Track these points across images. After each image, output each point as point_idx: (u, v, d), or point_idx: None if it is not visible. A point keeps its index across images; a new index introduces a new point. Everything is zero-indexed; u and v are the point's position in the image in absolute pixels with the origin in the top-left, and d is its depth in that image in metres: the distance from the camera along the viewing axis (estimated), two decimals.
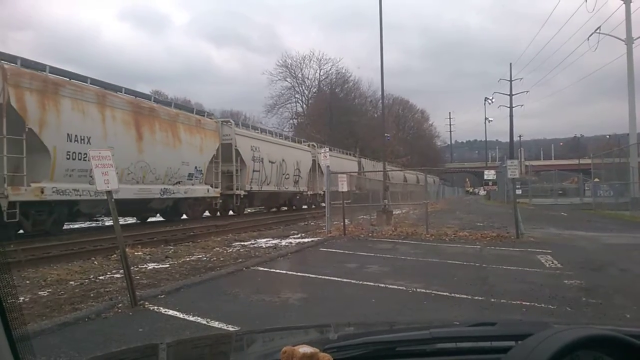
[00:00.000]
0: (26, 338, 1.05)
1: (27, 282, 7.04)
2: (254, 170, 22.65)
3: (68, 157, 12.61)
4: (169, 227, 15.50)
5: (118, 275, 7.26)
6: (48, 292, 6.38)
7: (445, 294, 5.99)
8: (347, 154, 36.31)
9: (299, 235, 13.64)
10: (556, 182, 37.56)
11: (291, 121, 61.39)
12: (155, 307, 5.44)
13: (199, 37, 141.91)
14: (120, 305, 5.39)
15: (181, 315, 5.10)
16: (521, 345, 1.11)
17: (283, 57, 66.81)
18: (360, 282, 6.86)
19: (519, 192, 25.56)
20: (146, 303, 5.55)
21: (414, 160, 60.47)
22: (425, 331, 1.43)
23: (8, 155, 11.15)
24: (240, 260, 9.01)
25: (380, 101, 26.82)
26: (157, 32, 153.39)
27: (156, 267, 8.35)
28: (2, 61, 11.43)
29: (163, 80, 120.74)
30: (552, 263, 8.29)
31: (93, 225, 15.68)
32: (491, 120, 66.91)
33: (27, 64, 12.48)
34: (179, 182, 17.48)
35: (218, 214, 21.87)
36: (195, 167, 18.39)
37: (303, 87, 62.28)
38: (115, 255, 9.10)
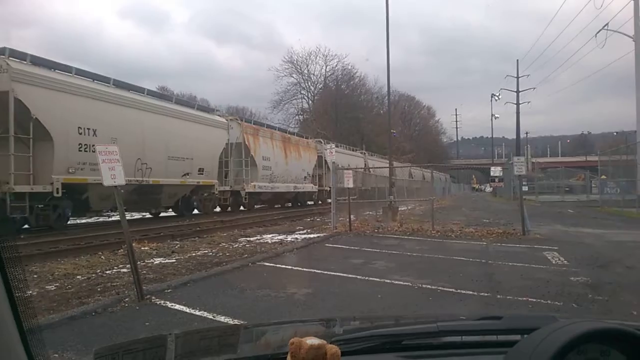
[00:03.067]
0: (36, 330, 1.07)
1: (35, 276, 7.08)
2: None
3: (263, 168, 23.76)
4: (176, 223, 15.62)
5: (125, 270, 7.30)
6: (55, 286, 6.43)
7: (451, 290, 5.99)
8: (380, 156, 42.82)
9: (305, 231, 13.66)
10: (563, 179, 37.40)
11: (297, 117, 61.46)
12: (162, 302, 5.47)
13: (200, 35, 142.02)
14: (127, 299, 5.42)
15: (187, 310, 5.13)
16: (528, 338, 1.11)
17: (289, 53, 66.84)
18: (366, 278, 6.87)
19: (525, 189, 25.45)
20: (153, 297, 5.58)
21: (419, 157, 60.24)
22: (432, 324, 1.44)
23: (245, 168, 22.47)
24: (246, 255, 9.04)
25: (386, 97, 28.00)
26: (158, 29, 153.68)
27: (163, 261, 8.40)
28: (239, 119, 24.53)
29: (166, 77, 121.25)
30: (559, 260, 8.26)
31: (100, 220, 16.16)
32: (497, 117, 66.33)
33: (247, 119, 26.87)
34: (300, 182, 28.20)
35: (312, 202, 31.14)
36: (307, 172, 29.37)
37: (309, 83, 62.31)
38: (122, 250, 9.16)
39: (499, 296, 5.64)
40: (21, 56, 12.42)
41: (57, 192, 12.41)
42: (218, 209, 22.24)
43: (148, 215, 19.40)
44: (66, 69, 13.91)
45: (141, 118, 15.60)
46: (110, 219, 17.43)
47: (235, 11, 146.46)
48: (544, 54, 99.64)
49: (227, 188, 21.94)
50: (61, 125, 12.72)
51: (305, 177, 28.90)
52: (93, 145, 12.57)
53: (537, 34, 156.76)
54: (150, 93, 17.55)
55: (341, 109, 55.60)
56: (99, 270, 7.53)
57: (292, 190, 27.41)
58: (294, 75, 60.93)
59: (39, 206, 12.54)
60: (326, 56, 60.84)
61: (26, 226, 13.02)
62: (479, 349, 1.33)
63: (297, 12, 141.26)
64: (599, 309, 5.09)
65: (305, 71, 61.41)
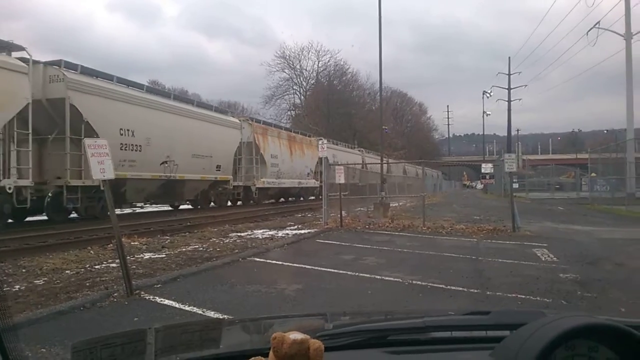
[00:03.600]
0: (11, 328, 1.04)
1: (24, 270, 7.03)
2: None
3: (271, 165, 25.12)
4: (166, 218, 15.54)
5: (114, 265, 7.24)
6: (44, 280, 6.38)
7: (441, 286, 6.00)
8: (375, 153, 42.39)
9: (296, 227, 13.64)
10: (553, 176, 37.70)
11: (289, 112, 61.28)
12: (151, 297, 5.43)
13: (191, 29, 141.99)
14: (115, 294, 5.38)
15: (177, 305, 5.10)
16: (515, 334, 1.10)
17: (281, 48, 66.62)
18: (356, 274, 6.87)
19: (516, 186, 25.59)
20: (142, 292, 5.54)
21: (411, 153, 60.27)
22: (419, 319, 1.42)
23: (255, 165, 23.88)
24: (237, 250, 9.01)
25: (378, 94, 28.30)
26: (148, 23, 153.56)
27: (152, 257, 8.34)
28: (251, 119, 26.31)
29: (156, 70, 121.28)
30: (548, 257, 8.31)
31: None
32: (489, 114, 66.64)
33: (257, 120, 27.67)
34: (303, 178, 29.73)
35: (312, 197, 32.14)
36: (310, 169, 30.73)
37: (301, 79, 62.10)
38: (111, 245, 9.08)
39: (488, 292, 5.66)
40: (73, 67, 13.98)
41: (103, 186, 13.31)
42: (229, 203, 24.12)
43: (169, 208, 21.36)
44: (108, 77, 15.39)
45: (170, 120, 17.47)
46: (142, 210, 19.69)
47: (226, 4, 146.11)
48: (535, 52, 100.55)
49: (240, 183, 23.65)
50: (107, 128, 14.16)
51: (308, 174, 30.55)
52: (132, 145, 15.48)
53: (528, 32, 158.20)
54: (176, 97, 19.96)
55: (333, 104, 55.47)
56: (88, 265, 7.47)
57: (297, 185, 29.16)
58: (286, 71, 60.78)
59: (87, 198, 14.15)
60: (318, 52, 60.73)
61: (73, 215, 14.77)
62: (467, 345, 1.32)
63: (289, 7, 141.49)
64: (587, 305, 5.11)
65: (298, 66, 61.27)
